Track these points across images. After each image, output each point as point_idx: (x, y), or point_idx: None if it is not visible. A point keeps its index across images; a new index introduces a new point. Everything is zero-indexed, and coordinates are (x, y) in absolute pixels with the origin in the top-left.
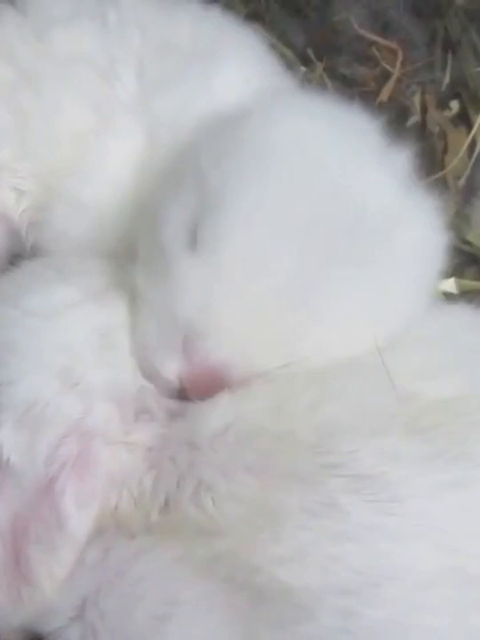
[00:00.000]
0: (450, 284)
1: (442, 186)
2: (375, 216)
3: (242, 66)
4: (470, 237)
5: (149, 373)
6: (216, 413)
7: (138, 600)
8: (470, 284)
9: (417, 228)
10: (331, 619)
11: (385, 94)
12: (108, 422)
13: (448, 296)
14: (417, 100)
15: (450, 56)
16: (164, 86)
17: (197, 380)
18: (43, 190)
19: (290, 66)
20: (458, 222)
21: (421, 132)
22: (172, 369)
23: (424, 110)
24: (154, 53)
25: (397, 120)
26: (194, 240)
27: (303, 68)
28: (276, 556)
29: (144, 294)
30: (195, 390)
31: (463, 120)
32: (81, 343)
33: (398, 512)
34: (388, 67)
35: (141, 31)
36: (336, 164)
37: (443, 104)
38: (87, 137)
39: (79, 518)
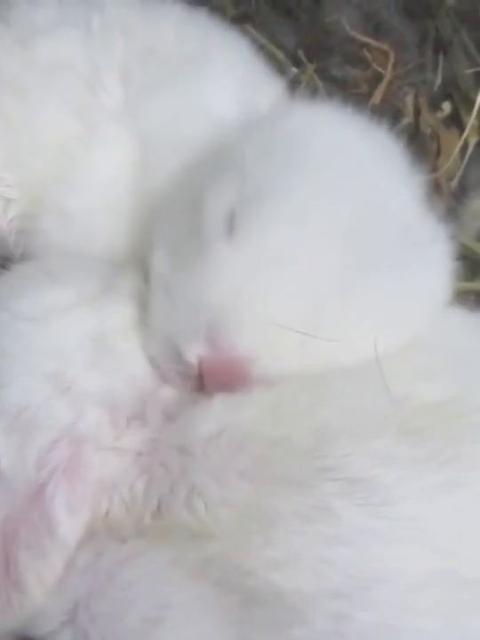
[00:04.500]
0: None
1: (435, 187)
2: (411, 227)
3: (228, 70)
4: (462, 238)
5: (169, 357)
6: (208, 418)
7: (130, 604)
8: (463, 284)
9: (437, 244)
10: (323, 622)
11: (377, 96)
12: (99, 427)
13: None
14: (409, 101)
15: (441, 57)
16: (151, 92)
17: (218, 368)
18: (30, 199)
19: (281, 67)
20: (450, 223)
21: (414, 133)
22: (195, 352)
23: (416, 112)
24: (139, 59)
25: (390, 122)
26: (231, 228)
27: (294, 70)
28: (269, 560)
29: (166, 279)
30: (213, 379)
31: (455, 121)
32: (73, 347)
33: (390, 515)
34: (379, 68)
35: (125, 37)
36: (378, 176)
37: (434, 105)
38: (73, 145)
39: (69, 524)
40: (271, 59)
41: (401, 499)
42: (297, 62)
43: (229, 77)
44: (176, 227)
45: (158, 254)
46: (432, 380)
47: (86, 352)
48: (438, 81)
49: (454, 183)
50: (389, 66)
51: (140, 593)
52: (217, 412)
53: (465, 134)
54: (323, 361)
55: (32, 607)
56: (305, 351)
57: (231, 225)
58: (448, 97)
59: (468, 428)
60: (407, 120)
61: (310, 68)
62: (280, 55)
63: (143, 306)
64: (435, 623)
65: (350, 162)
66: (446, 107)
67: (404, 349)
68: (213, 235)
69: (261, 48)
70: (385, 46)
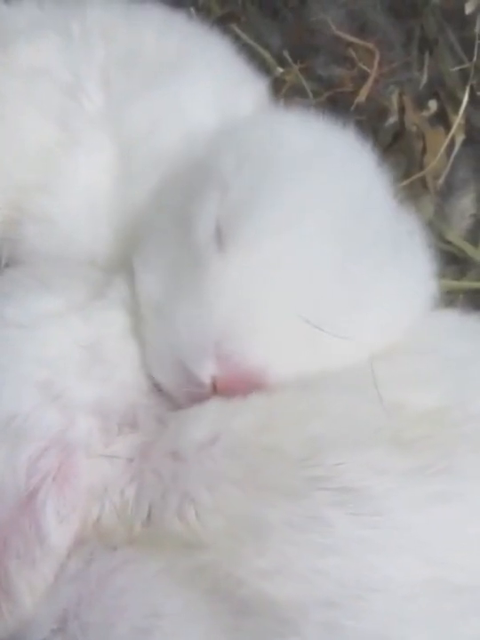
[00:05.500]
0: None
1: (421, 186)
2: (395, 220)
3: (209, 75)
4: (450, 237)
5: (179, 381)
6: (203, 424)
7: (120, 613)
8: (451, 283)
9: (417, 235)
10: (315, 632)
11: (363, 95)
12: (89, 435)
13: None
14: (395, 100)
15: (427, 55)
16: (131, 98)
17: (233, 383)
18: (12, 206)
19: (267, 67)
20: (437, 222)
21: (400, 132)
22: (208, 373)
23: (402, 110)
24: (119, 64)
25: (376, 121)
26: (220, 242)
27: (280, 70)
28: (260, 569)
29: (159, 303)
30: (229, 394)
31: (441, 120)
32: (63, 355)
33: (383, 525)
34: (365, 67)
35: (106, 42)
36: (355, 175)
37: (420, 104)
38: (55, 151)
39: (60, 532)
40: (257, 58)
41: (393, 509)
42: (282, 62)
43: (209, 82)
44: (162, 247)
45: (146, 278)
46: (426, 389)
47: (76, 359)
48: (424, 79)
49: (441, 182)
50: (375, 65)
51: (131, 601)
52: (211, 418)
53: (451, 132)
54: (334, 359)
55: (22, 616)
56: (316, 350)
57: (219, 239)
58: (434, 95)
59: (461, 439)
60: (393, 119)
61: (295, 67)
62: (266, 55)
63: (133, 312)
64: (427, 632)
65: (327, 163)
66: (432, 105)
67: (395, 355)
68: (203, 251)
69: (247, 48)
70: (370, 45)
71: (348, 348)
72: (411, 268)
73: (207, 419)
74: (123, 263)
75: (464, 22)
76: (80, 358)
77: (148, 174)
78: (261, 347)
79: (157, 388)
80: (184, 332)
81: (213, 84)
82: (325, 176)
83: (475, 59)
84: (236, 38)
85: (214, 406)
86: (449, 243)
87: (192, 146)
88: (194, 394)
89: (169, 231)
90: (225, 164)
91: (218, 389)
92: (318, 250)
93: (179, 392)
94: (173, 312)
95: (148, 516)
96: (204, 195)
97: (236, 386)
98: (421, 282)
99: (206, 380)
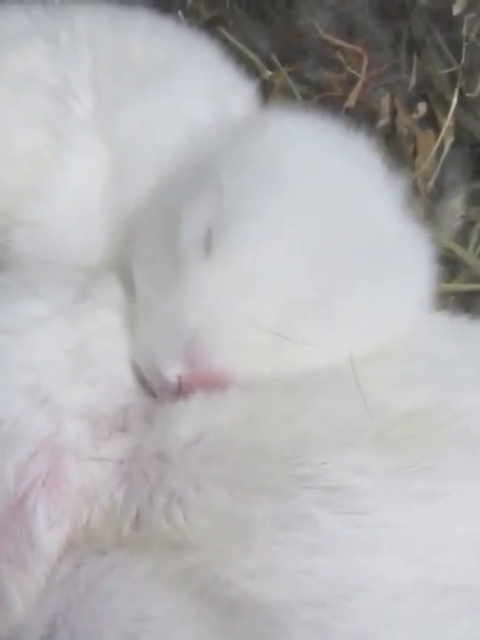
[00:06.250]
0: None
1: (412, 188)
2: (389, 237)
3: (197, 78)
4: (441, 239)
5: (151, 374)
6: (186, 422)
7: (109, 617)
8: (442, 285)
9: (415, 250)
10: (303, 632)
11: (352, 99)
12: (78, 439)
13: None
14: (384, 103)
15: (415, 58)
16: (123, 102)
17: (196, 382)
18: (1, 212)
19: (255, 71)
20: (428, 224)
21: (390, 134)
22: (173, 370)
23: (392, 113)
24: (108, 70)
25: (365, 124)
26: (208, 247)
27: (269, 73)
28: (247, 570)
29: (148, 298)
30: (191, 390)
31: (431, 122)
32: (49, 359)
33: (368, 524)
34: (353, 71)
35: (94, 48)
36: (351, 187)
37: (410, 106)
38: (44, 156)
39: (51, 535)
40: (245, 62)
41: (379, 507)
42: (271, 65)
43: (200, 85)
44: (154, 245)
45: (140, 274)
46: (411, 389)
47: (63, 364)
48: (413, 82)
49: (431, 184)
50: (363, 68)
51: (119, 606)
52: (196, 418)
53: (441, 135)
54: (302, 366)
55: (14, 621)
56: (282, 360)
57: (208, 244)
58: (423, 97)
59: (445, 438)
60: (383, 121)
61: (284, 71)
62: (254, 58)
63: (119, 311)
64: (415, 632)
65: (324, 174)
66: (422, 107)
67: (383, 357)
68: (191, 254)
69: (235, 51)
70: (359, 48)
71: (317, 357)
72: (395, 287)
73: (191, 415)
74: (114, 267)
75: (452, 24)
76: (66, 362)
77: (140, 177)
78: (226, 352)
79: (143, 385)
80: (161, 328)
81: (204, 86)
82: (316, 190)
83: (463, 60)
84: (225, 42)
85: (198, 405)
86: (439, 244)
87: (184, 149)
88: (163, 388)
89: (162, 229)
90: (221, 168)
91: (182, 386)
92: (299, 262)
93: (153, 386)
94: (154, 310)
95: (137, 517)
96: (199, 197)
97: (199, 385)
98: (407, 301)
99: (172, 378)
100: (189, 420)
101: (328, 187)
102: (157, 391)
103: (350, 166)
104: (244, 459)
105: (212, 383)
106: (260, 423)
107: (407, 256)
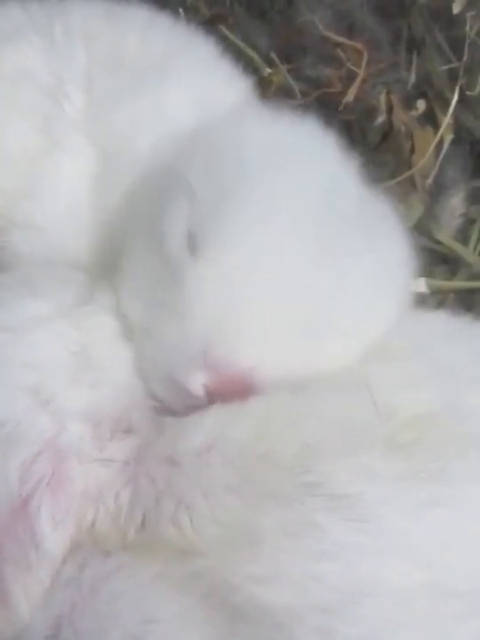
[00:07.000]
0: (420, 284)
1: (410, 185)
2: (367, 205)
3: (190, 78)
4: (440, 236)
5: (175, 394)
6: (200, 431)
7: (113, 619)
8: (440, 283)
9: (391, 220)
10: (310, 637)
11: (351, 95)
12: (81, 440)
13: (418, 296)
14: (383, 99)
15: (415, 55)
16: (114, 101)
17: (225, 387)
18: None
19: (254, 68)
20: (427, 221)
21: (388, 131)
22: (198, 381)
23: (390, 110)
24: (102, 67)
25: (364, 120)
26: (194, 249)
27: (268, 70)
28: (254, 575)
29: (142, 316)
30: (222, 398)
31: (429, 119)
32: (52, 360)
33: (376, 530)
34: (353, 68)
35: (88, 44)
36: (328, 170)
37: (409, 103)
38: (38, 156)
39: (55, 536)
40: (244, 59)
41: (386, 514)
42: (270, 62)
43: (194, 85)
44: (139, 259)
45: (127, 294)
46: (418, 392)
47: (66, 365)
48: (412, 79)
49: (430, 181)
50: (363, 65)
51: (124, 608)
52: (209, 426)
53: (440, 132)
54: (326, 351)
55: (19, 622)
56: (306, 343)
57: (193, 246)
58: (422, 95)
59: (453, 441)
60: (381, 118)
61: (283, 68)
62: (254, 55)
63: (123, 317)
64: (422, 636)
65: (289, 157)
66: (421, 105)
67: (387, 359)
68: (178, 260)
69: (235, 49)
70: (358, 45)
71: (339, 336)
72: (386, 252)
73: (204, 426)
74: (107, 269)
75: (451, 22)
76: (69, 363)
77: (120, 181)
78: (248, 347)
79: (160, 405)
80: (169, 345)
81: (198, 86)
82: (289, 170)
83: (464, 58)
84: (224, 39)
85: (212, 414)
86: (439, 242)
87: (165, 151)
88: (192, 405)
89: (145, 242)
90: (191, 169)
91: (211, 397)
92: (292, 243)
93: (177, 405)
94: (157, 327)
95: (143, 521)
96: (174, 202)
97: (228, 390)
98: (398, 265)
99: (199, 390)
100: (202, 428)
101: (301, 169)
102: (183, 409)
103: (315, 150)
104: (255, 467)
105: (242, 385)
106: (270, 431)
107: (388, 224)
